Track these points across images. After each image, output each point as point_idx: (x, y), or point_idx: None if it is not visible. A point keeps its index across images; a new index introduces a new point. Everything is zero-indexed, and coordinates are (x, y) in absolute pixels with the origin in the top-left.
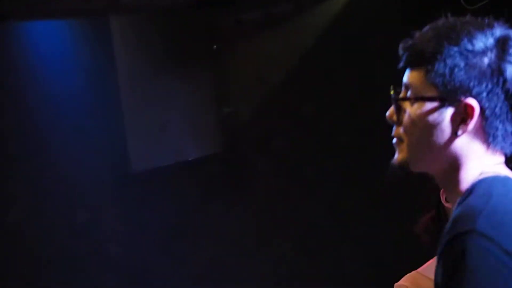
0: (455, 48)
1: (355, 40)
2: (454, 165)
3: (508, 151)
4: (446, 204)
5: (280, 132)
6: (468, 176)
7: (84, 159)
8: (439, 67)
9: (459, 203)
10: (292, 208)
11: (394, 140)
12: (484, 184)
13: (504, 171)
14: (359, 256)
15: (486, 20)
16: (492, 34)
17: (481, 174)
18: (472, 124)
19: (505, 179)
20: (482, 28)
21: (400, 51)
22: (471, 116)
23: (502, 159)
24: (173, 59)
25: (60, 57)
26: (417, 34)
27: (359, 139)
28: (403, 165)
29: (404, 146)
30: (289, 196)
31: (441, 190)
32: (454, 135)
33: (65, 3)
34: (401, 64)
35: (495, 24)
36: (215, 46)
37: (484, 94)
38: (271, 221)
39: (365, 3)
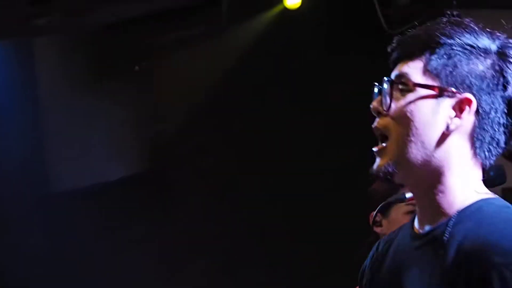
0: (460, 41)
1: (278, 61)
2: (441, 169)
3: (487, 164)
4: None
5: (204, 152)
6: (457, 189)
7: (5, 179)
8: (442, 58)
9: (456, 221)
10: (218, 228)
11: (375, 148)
12: (494, 208)
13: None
14: (286, 277)
15: (490, 28)
16: (494, 40)
17: (475, 192)
18: (466, 120)
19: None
20: (486, 32)
21: (393, 47)
22: (466, 111)
23: (481, 175)
24: (95, 80)
25: None
26: (415, 29)
27: (287, 158)
28: (388, 169)
29: (390, 144)
30: (215, 216)
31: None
32: (446, 130)
33: None
34: (393, 56)
35: (498, 33)
36: (137, 67)
37: (483, 94)
38: (197, 242)
39: (285, 26)
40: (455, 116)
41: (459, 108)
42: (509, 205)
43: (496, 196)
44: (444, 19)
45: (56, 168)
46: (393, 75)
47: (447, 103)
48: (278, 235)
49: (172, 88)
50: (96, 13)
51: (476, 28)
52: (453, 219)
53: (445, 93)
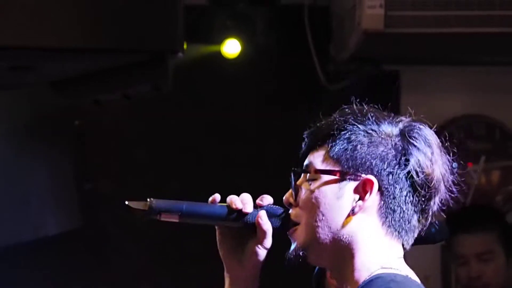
0: (361, 126)
1: (216, 117)
2: (350, 248)
3: (405, 243)
4: (331, 281)
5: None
6: (364, 266)
7: None
8: (343, 143)
9: None
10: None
11: (289, 231)
12: (380, 282)
13: (404, 268)
14: None
15: (391, 114)
16: (397, 124)
17: (381, 268)
18: (370, 200)
19: (405, 278)
20: (388, 118)
21: (304, 138)
22: (370, 192)
23: (401, 252)
24: (33, 136)
25: None
26: (322, 121)
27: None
28: (299, 253)
29: (300, 230)
30: (151, 275)
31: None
32: (352, 213)
33: None
34: (303, 150)
35: (402, 119)
36: (76, 122)
37: (385, 173)
38: None
39: (226, 79)
40: (359, 199)
41: (362, 190)
42: (397, 279)
43: (396, 272)
44: (348, 110)
45: None
46: (304, 163)
47: (350, 186)
48: None
49: (110, 145)
50: (41, 69)
51: (378, 115)
52: None
53: (347, 177)
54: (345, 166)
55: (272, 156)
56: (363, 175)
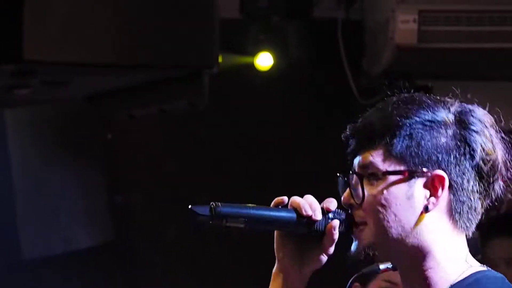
0: (418, 119)
1: (248, 130)
2: (425, 245)
3: (470, 232)
4: None
5: (172, 222)
6: (446, 263)
7: None
8: (404, 139)
9: None
10: None
11: (354, 232)
12: (490, 280)
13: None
14: None
15: (440, 98)
16: (450, 109)
17: (469, 266)
18: (442, 197)
19: (501, 276)
20: (439, 103)
21: (348, 136)
22: (441, 188)
23: (465, 243)
24: (65, 149)
25: None
26: (365, 116)
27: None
28: (368, 252)
29: (368, 231)
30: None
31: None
32: (425, 210)
33: None
34: (352, 147)
35: (449, 101)
36: (109, 135)
37: (453, 166)
38: None
39: (258, 92)
40: (431, 196)
41: (432, 187)
42: (504, 276)
43: (488, 268)
44: (395, 98)
45: (28, 235)
46: (357, 166)
47: (420, 184)
48: None
49: (141, 158)
50: (75, 84)
51: (429, 101)
52: None
53: (415, 175)
54: (411, 164)
55: (304, 170)
56: (431, 171)
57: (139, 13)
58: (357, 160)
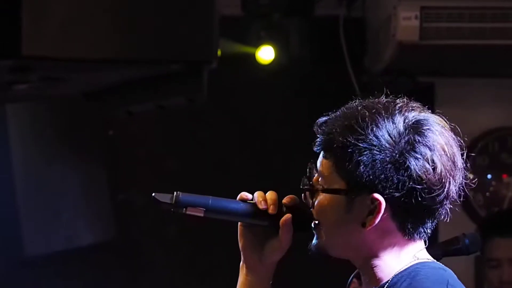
0: (363, 144)
1: (248, 126)
2: (370, 254)
3: (425, 237)
4: None
5: (173, 220)
6: (392, 261)
7: None
8: (346, 161)
9: (391, 284)
10: None
11: (313, 224)
12: (429, 269)
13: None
14: None
15: (399, 104)
16: (403, 122)
17: (416, 258)
18: (379, 217)
19: (449, 270)
20: (392, 119)
21: (315, 130)
22: (378, 210)
23: (422, 245)
24: (67, 146)
25: None
26: (331, 117)
27: None
28: (320, 250)
29: (319, 231)
30: (182, 287)
31: None
32: (362, 227)
33: None
34: (316, 145)
35: (406, 111)
36: (111, 132)
37: (390, 188)
38: None
39: (259, 87)
40: (369, 214)
41: (371, 206)
42: (445, 268)
43: (435, 261)
44: (350, 112)
45: (29, 233)
46: (318, 163)
47: (358, 202)
48: None
49: (143, 156)
50: (74, 80)
51: (380, 120)
52: (388, 283)
53: (354, 194)
54: (352, 183)
55: (305, 167)
56: (369, 193)
57: (138, 8)
58: (318, 160)
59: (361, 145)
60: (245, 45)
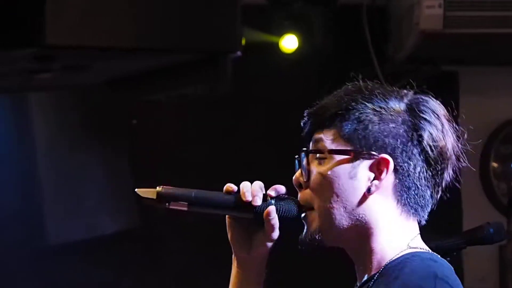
0: (369, 104)
1: (270, 114)
2: (368, 228)
3: (422, 219)
4: None
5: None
6: (388, 246)
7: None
8: (353, 123)
9: (380, 275)
10: (206, 285)
11: (303, 214)
12: (418, 260)
13: (427, 248)
14: None
15: (395, 89)
16: (403, 99)
17: (409, 247)
18: (386, 180)
19: (441, 258)
20: (394, 93)
21: (306, 118)
22: (385, 172)
23: (417, 229)
24: (90, 134)
25: None
26: (324, 99)
27: None
28: (315, 237)
29: (314, 214)
30: (202, 274)
31: None
32: (367, 192)
33: None
34: (307, 129)
35: (404, 92)
36: (134, 121)
37: (399, 151)
38: None
39: (282, 76)
40: (374, 178)
41: (377, 170)
42: (436, 258)
43: (428, 250)
44: (353, 87)
45: (53, 221)
46: (311, 143)
47: (364, 166)
48: None
49: (165, 144)
50: (96, 69)
51: (382, 90)
52: (378, 274)
53: (361, 156)
54: (358, 146)
55: None
56: (377, 154)
57: None
58: (312, 140)
59: (369, 105)
60: (268, 34)
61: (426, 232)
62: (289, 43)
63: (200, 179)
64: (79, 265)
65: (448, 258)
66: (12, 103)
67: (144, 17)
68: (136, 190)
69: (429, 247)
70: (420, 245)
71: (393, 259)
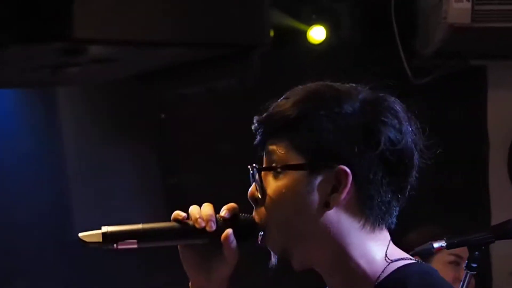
0: (322, 111)
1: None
2: (335, 248)
3: (391, 224)
4: None
5: (223, 203)
6: (370, 259)
7: (30, 226)
8: (305, 132)
9: None
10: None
11: (261, 233)
12: (416, 277)
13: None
14: None
15: (352, 86)
16: (357, 99)
17: (389, 261)
18: (345, 192)
19: (428, 267)
20: (349, 92)
21: (255, 126)
22: (344, 183)
23: (388, 236)
24: (118, 128)
25: (7, 126)
26: (274, 105)
27: None
28: (283, 259)
29: (273, 235)
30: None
31: None
32: (326, 207)
33: (11, 74)
34: (258, 139)
35: (360, 89)
36: (163, 116)
37: (357, 159)
38: None
39: (310, 68)
40: (334, 191)
41: (336, 181)
42: (430, 271)
43: (414, 260)
44: (301, 91)
45: (81, 216)
46: (264, 155)
47: (322, 179)
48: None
49: (194, 138)
50: (126, 62)
51: (335, 92)
52: None
53: (316, 169)
54: (312, 158)
55: None
56: (334, 165)
57: None
58: (264, 152)
59: (321, 111)
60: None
61: (455, 227)
62: (317, 34)
63: (228, 173)
64: (105, 260)
65: (477, 253)
66: (41, 97)
67: (174, 11)
68: (79, 235)
69: (458, 242)
70: (399, 254)
71: (381, 279)
